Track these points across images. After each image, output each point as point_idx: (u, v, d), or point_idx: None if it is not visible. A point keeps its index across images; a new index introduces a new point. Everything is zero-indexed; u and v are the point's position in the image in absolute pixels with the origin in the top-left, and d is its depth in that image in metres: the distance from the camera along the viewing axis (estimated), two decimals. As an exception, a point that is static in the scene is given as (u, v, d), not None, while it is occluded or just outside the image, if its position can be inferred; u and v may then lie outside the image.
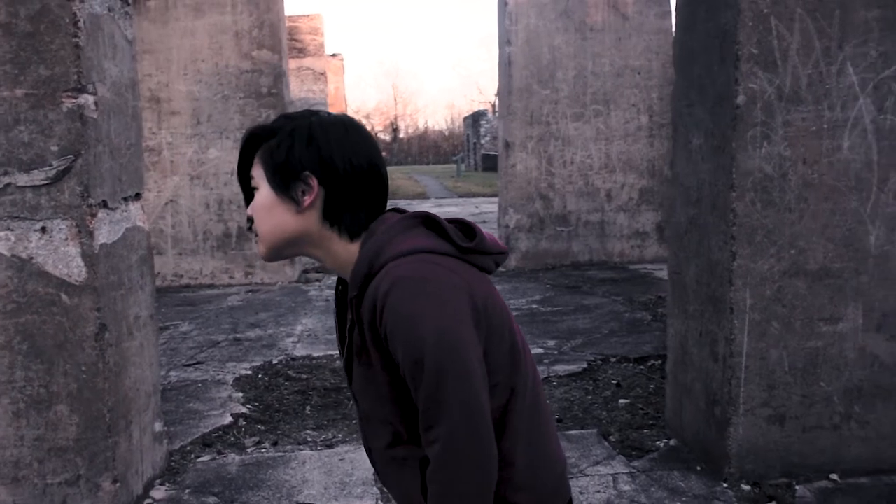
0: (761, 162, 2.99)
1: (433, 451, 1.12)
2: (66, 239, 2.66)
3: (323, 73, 15.17)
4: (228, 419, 4.11)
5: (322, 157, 1.18)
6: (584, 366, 4.90)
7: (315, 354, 5.39)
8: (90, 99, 2.67)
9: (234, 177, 8.05)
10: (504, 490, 1.18)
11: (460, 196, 24.40)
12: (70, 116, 2.62)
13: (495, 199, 13.09)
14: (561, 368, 4.86)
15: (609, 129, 9.03)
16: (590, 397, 4.33)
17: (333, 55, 20.74)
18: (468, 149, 50.49)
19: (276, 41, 8.24)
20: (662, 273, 7.87)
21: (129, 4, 3.12)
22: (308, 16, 15.25)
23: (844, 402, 3.14)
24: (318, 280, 8.60)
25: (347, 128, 1.21)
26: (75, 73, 2.62)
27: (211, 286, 8.31)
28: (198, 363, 5.26)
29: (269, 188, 1.21)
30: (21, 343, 2.69)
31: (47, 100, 2.61)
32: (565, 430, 3.79)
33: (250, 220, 1.24)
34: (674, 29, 3.69)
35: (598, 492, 3.11)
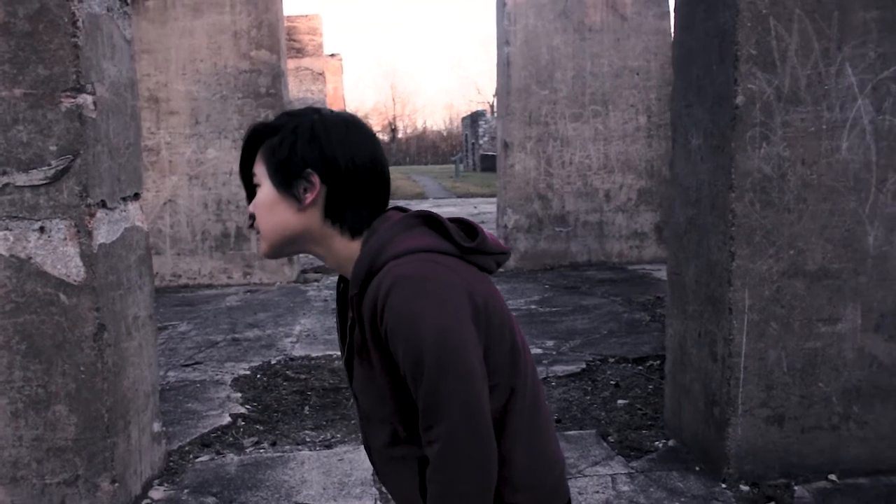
0: (760, 162, 2.99)
1: (433, 450, 1.11)
2: (65, 239, 2.66)
3: (321, 73, 15.19)
4: (227, 419, 4.11)
5: (324, 155, 1.18)
6: (583, 366, 4.90)
7: (314, 354, 5.39)
8: (89, 99, 2.67)
9: (233, 177, 8.06)
10: (503, 490, 1.18)
11: (459, 196, 24.39)
12: (69, 116, 2.62)
13: (494, 200, 13.10)
14: (559, 369, 4.86)
15: (607, 130, 9.04)
16: (588, 398, 4.33)
17: (332, 55, 20.78)
18: (466, 149, 50.47)
19: (275, 41, 8.24)
20: (661, 273, 7.88)
21: (127, 4, 3.12)
22: (306, 16, 15.27)
23: (843, 402, 3.14)
24: (316, 280, 8.60)
25: (350, 126, 1.21)
26: (74, 72, 2.61)
27: (209, 286, 8.31)
28: (196, 363, 5.26)
29: (270, 185, 1.20)
30: (19, 343, 2.69)
31: (46, 99, 2.61)
32: (564, 430, 3.79)
33: (252, 217, 1.24)
34: (672, 29, 3.70)
35: (597, 492, 3.11)
